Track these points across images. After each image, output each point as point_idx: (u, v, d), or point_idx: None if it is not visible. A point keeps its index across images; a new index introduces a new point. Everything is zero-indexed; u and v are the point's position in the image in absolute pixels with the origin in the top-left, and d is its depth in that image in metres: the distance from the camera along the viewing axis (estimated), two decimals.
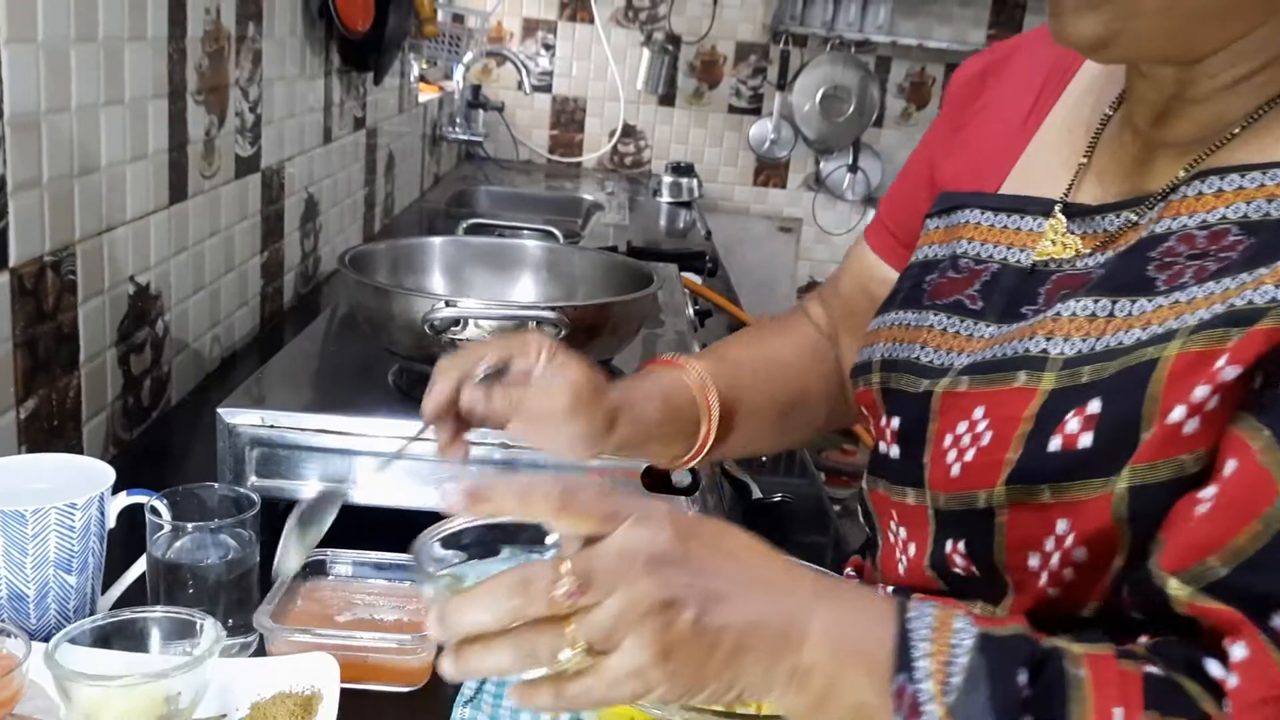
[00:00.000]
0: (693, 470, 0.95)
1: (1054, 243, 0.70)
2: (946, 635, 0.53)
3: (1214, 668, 0.52)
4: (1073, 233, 0.69)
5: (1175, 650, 0.53)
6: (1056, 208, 0.70)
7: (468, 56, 3.06)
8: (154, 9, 1.13)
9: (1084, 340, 0.62)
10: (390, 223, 2.47)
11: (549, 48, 3.59)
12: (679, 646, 0.50)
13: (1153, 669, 0.52)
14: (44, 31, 0.92)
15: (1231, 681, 0.50)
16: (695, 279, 1.87)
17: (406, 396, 1.01)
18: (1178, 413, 0.55)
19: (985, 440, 0.64)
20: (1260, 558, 0.51)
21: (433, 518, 0.96)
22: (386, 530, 0.93)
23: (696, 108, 3.66)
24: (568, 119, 3.66)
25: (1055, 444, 0.60)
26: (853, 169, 3.68)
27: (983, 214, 0.74)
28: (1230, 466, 0.53)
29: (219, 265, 1.39)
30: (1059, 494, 0.60)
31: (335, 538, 0.88)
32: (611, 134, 3.66)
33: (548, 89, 3.62)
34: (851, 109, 3.55)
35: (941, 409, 0.68)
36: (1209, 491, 0.54)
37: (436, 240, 1.14)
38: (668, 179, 3.30)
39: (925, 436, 0.69)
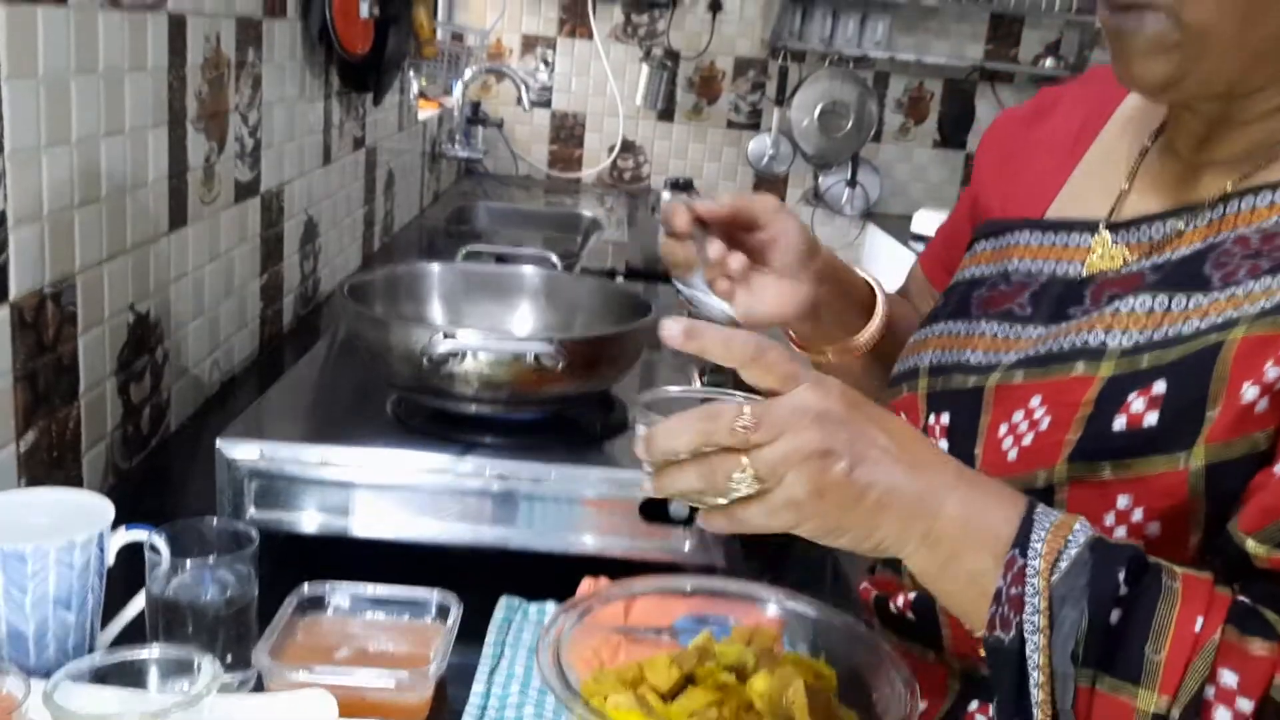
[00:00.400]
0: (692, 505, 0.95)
1: (1101, 256, 0.76)
2: (1065, 531, 0.60)
3: None
4: (1118, 244, 0.75)
5: (1259, 588, 0.60)
6: (1101, 225, 0.77)
7: (467, 73, 3.08)
8: (154, 39, 1.13)
9: (1142, 332, 0.68)
10: (389, 241, 2.47)
11: (548, 63, 3.60)
12: (830, 490, 0.59)
13: (1241, 598, 0.59)
14: (44, 65, 0.92)
15: None
16: None
17: (405, 426, 1.01)
18: (1250, 392, 0.61)
19: (1044, 425, 0.69)
20: None
21: (430, 550, 0.96)
22: (385, 563, 0.93)
23: (695, 123, 3.67)
24: (567, 134, 3.67)
25: (1120, 423, 0.65)
26: (851, 184, 3.69)
27: (1032, 234, 0.81)
28: None
29: (218, 290, 1.39)
30: (1120, 471, 0.65)
31: (334, 571, 0.88)
32: (611, 149, 3.67)
33: (547, 104, 3.63)
34: (850, 124, 3.56)
35: (995, 401, 0.74)
36: None
37: (435, 267, 1.14)
38: (666, 195, 3.30)
39: (978, 429, 0.74)
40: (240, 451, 0.95)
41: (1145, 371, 0.66)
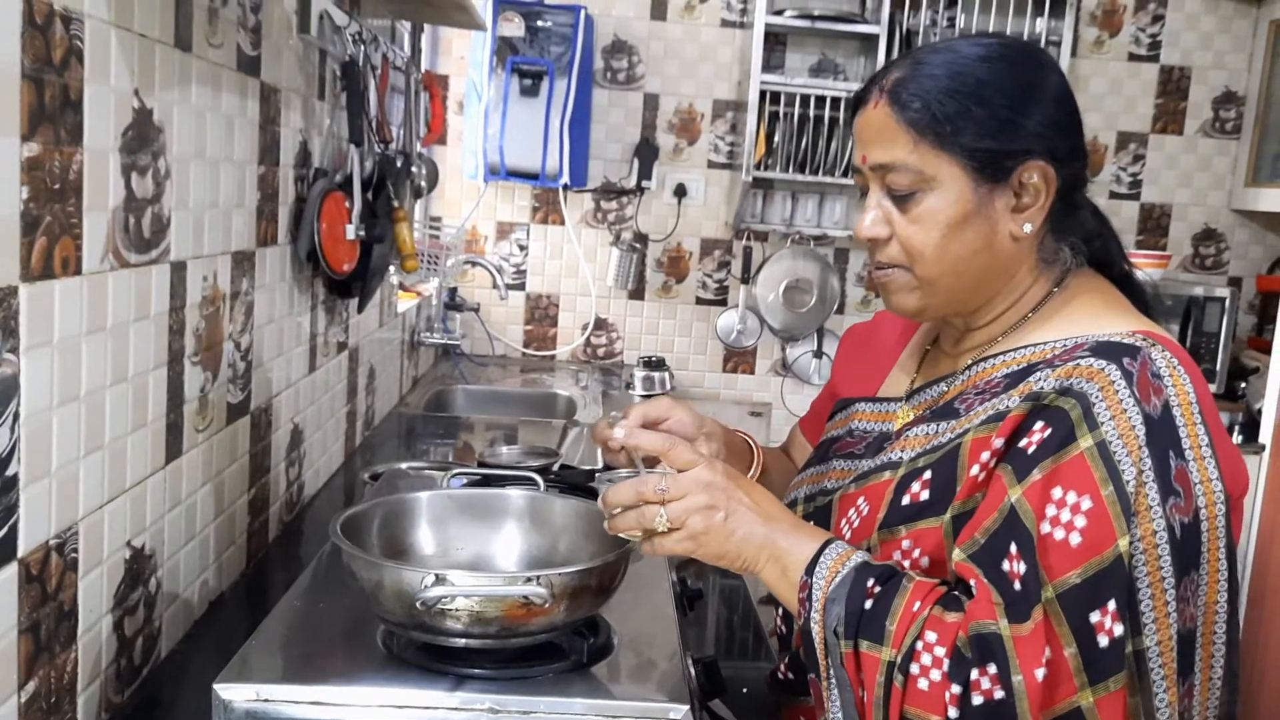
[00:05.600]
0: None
1: (903, 416, 1.18)
2: (845, 559, 1.00)
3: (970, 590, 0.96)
4: (911, 406, 1.18)
5: (961, 585, 0.98)
6: (903, 400, 1.21)
7: (449, 263, 3.19)
8: (157, 288, 1.19)
9: (920, 448, 1.09)
10: (371, 434, 2.52)
11: (523, 248, 3.74)
12: (713, 530, 1.00)
13: (953, 592, 0.97)
14: (59, 332, 0.98)
15: (975, 591, 0.95)
16: None
17: (396, 659, 1.04)
18: (974, 469, 1.00)
19: (865, 512, 1.09)
20: (997, 530, 0.95)
21: None
22: None
23: (665, 300, 3.80)
24: (541, 314, 3.78)
25: (906, 500, 1.05)
26: (818, 354, 3.80)
27: (866, 405, 1.26)
28: (994, 489, 0.97)
29: (209, 512, 1.43)
30: (908, 528, 1.04)
31: None
32: (584, 327, 3.78)
33: (521, 287, 3.76)
34: (814, 299, 3.70)
35: (840, 507, 1.14)
36: (983, 503, 0.98)
37: (424, 496, 1.19)
38: (640, 373, 3.39)
39: (829, 527, 1.14)
40: (235, 694, 0.97)
41: (921, 469, 1.06)
